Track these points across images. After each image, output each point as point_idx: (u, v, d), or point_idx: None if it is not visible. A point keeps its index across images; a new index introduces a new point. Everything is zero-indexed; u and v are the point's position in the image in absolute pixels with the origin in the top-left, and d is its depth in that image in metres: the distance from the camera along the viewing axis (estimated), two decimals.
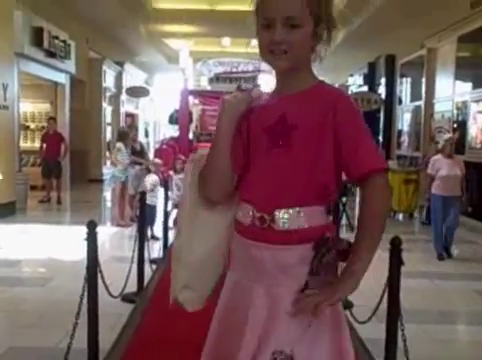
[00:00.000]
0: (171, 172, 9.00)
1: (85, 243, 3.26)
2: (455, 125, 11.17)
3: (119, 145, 9.00)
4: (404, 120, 14.65)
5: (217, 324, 1.72)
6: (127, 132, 9.40)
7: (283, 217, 1.60)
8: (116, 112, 18.52)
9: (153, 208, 7.63)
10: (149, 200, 6.86)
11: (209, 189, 1.74)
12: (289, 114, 1.62)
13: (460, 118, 11.03)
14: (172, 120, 14.96)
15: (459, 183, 7.14)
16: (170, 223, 7.94)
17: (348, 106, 1.62)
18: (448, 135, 8.29)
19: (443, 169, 7.08)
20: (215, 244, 1.76)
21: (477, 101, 10.16)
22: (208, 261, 1.77)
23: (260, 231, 1.62)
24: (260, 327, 1.58)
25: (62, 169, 11.94)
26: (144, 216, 5.36)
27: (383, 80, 15.85)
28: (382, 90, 15.71)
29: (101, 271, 3.38)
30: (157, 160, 8.90)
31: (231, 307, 1.69)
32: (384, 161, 1.67)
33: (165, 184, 7.87)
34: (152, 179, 7.90)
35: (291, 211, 1.60)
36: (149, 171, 8.25)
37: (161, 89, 25.76)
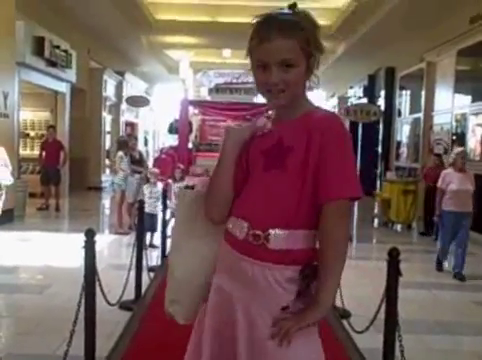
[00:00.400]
0: (170, 181, 9.03)
1: (83, 251, 3.27)
2: (454, 137, 11.21)
3: (121, 154, 9.04)
4: (403, 132, 14.69)
5: (200, 325, 1.82)
6: (126, 141, 9.43)
7: (277, 236, 1.65)
8: (116, 121, 18.57)
9: (153, 217, 7.64)
10: (148, 209, 6.88)
11: (212, 210, 1.82)
12: (285, 138, 1.69)
13: (459, 131, 11.07)
14: (171, 130, 15.00)
15: (470, 198, 6.86)
16: (169, 231, 7.96)
17: (335, 130, 1.66)
18: (459, 148, 7.89)
19: (454, 183, 6.81)
20: (202, 267, 1.83)
21: (476, 114, 10.20)
22: (193, 280, 1.84)
23: (254, 247, 1.67)
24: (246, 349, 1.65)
25: (61, 177, 11.95)
26: (143, 224, 5.37)
27: (383, 92, 15.91)
28: (382, 102, 15.77)
29: (99, 279, 3.39)
30: (154, 169, 8.94)
31: (215, 311, 1.75)
32: (352, 189, 1.64)
33: (164, 193, 7.88)
34: (154, 190, 7.93)
35: (286, 231, 1.65)
36: (148, 180, 8.27)
37: (161, 99, 25.82)
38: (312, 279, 1.63)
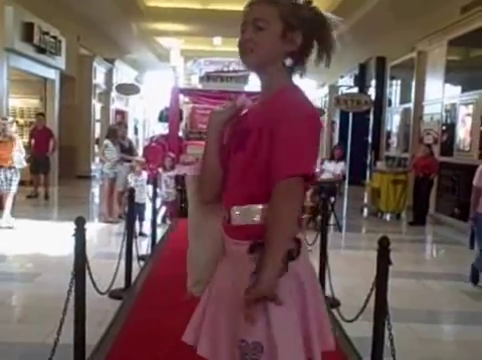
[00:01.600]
0: (160, 169, 9.00)
1: (73, 239, 3.25)
2: (444, 127, 11.25)
3: (106, 142, 9.00)
4: (393, 122, 14.71)
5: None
6: (116, 129, 9.38)
7: (236, 213, 1.76)
8: (106, 109, 18.47)
9: (140, 205, 7.63)
10: (138, 198, 6.86)
11: (203, 191, 1.91)
12: (251, 120, 1.77)
13: (449, 121, 11.10)
14: (162, 118, 14.90)
15: None
16: (158, 220, 7.96)
17: (292, 111, 1.67)
18: None
19: None
20: (216, 244, 1.90)
21: (466, 104, 10.23)
22: (214, 259, 1.92)
23: (225, 226, 1.82)
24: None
25: (50, 165, 11.88)
26: (133, 213, 5.35)
27: (373, 82, 15.93)
28: (372, 92, 15.79)
29: (89, 267, 3.37)
30: (139, 158, 8.92)
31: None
32: (300, 166, 1.63)
33: (154, 181, 7.86)
34: (136, 178, 7.93)
35: (243, 207, 1.74)
36: (133, 169, 8.25)
37: (151, 87, 25.69)
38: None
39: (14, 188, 8.38)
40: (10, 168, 8.25)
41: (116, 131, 9.22)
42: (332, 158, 10.06)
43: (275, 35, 1.74)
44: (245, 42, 1.75)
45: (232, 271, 1.79)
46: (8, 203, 8.31)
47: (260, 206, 1.71)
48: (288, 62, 1.83)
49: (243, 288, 1.64)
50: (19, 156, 8.42)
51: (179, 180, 8.79)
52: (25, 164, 8.77)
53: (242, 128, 1.78)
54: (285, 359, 1.64)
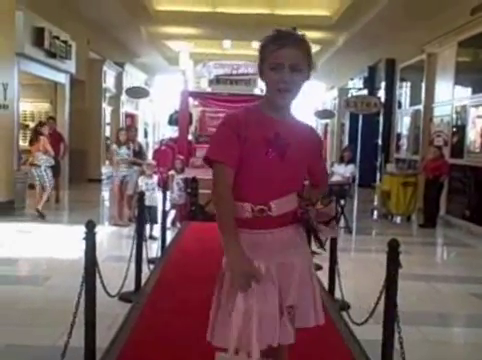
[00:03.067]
0: (172, 172, 9.00)
1: (83, 242, 3.27)
2: (454, 129, 11.21)
3: (114, 147, 9.09)
4: (403, 124, 14.68)
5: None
6: (118, 134, 9.35)
7: (277, 206, 2.11)
8: (116, 112, 18.54)
9: (152, 208, 7.65)
10: (146, 201, 6.88)
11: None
12: (282, 133, 2.12)
13: (459, 122, 11.06)
14: (171, 121, 14.96)
15: None
16: (168, 223, 7.97)
17: (318, 136, 2.42)
18: None
19: None
20: None
21: (476, 106, 10.19)
22: None
23: (264, 219, 2.11)
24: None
25: (61, 168, 11.93)
26: (143, 216, 5.37)
27: (383, 84, 15.88)
28: (382, 94, 15.75)
29: (99, 270, 3.39)
30: (149, 161, 8.95)
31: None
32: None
33: (164, 185, 7.87)
34: (147, 181, 7.96)
35: (281, 200, 2.12)
36: (143, 172, 8.27)
37: (161, 90, 25.77)
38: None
39: (46, 184, 9.62)
40: (38, 166, 9.53)
41: (118, 135, 9.21)
42: (342, 160, 10.04)
43: (305, 77, 2.13)
44: (284, 83, 2.06)
45: (276, 254, 2.12)
46: (44, 197, 9.58)
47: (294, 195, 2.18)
48: None
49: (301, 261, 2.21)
50: (41, 156, 9.57)
51: (189, 183, 8.81)
52: (52, 162, 9.92)
53: (275, 138, 2.11)
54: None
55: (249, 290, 2.00)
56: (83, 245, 3.27)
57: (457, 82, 11.14)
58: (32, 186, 10.62)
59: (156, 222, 7.85)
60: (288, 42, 2.07)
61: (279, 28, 2.14)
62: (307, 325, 2.26)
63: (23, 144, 12.78)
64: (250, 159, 2.08)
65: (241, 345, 2.04)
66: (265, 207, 2.09)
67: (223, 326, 2.09)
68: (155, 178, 8.25)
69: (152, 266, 5.87)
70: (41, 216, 9.26)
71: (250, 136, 2.08)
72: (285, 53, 2.05)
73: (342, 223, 8.91)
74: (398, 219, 10.76)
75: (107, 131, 17.52)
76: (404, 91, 15.01)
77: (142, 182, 7.96)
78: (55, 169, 11.48)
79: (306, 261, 2.25)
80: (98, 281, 3.40)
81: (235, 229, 2.02)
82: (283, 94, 2.08)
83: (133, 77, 20.11)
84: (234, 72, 10.71)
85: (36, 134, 9.79)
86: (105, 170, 16.03)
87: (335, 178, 9.59)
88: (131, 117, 20.18)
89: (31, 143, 9.86)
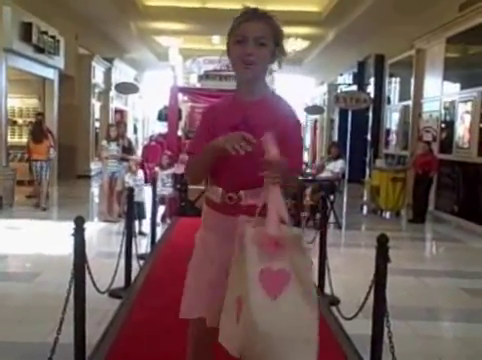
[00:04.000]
0: (157, 168, 9.00)
1: (72, 238, 3.26)
2: (443, 125, 11.26)
3: (104, 142, 9.08)
4: (392, 119, 14.72)
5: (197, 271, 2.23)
6: (108, 129, 9.38)
7: (246, 196, 2.11)
8: (105, 108, 18.45)
9: (140, 205, 7.64)
10: (137, 197, 6.87)
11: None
12: (250, 116, 2.10)
13: (448, 118, 11.11)
14: (161, 117, 14.93)
15: None
16: (158, 219, 7.97)
17: (294, 116, 2.21)
18: None
19: None
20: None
21: (465, 101, 10.24)
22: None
23: (232, 206, 2.13)
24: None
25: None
26: (132, 212, 5.36)
27: (372, 79, 15.92)
28: (371, 89, 15.79)
29: (88, 267, 3.37)
30: (134, 157, 8.97)
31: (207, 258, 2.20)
32: (302, 164, 2.21)
33: (153, 181, 7.86)
34: (134, 177, 7.96)
35: (252, 191, 2.09)
36: (130, 168, 8.27)
37: (150, 86, 25.68)
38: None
39: (48, 177, 10.26)
40: (46, 160, 10.11)
41: (109, 131, 9.22)
42: (330, 156, 10.05)
43: (270, 52, 2.11)
44: (247, 55, 2.06)
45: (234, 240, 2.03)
46: (44, 189, 10.06)
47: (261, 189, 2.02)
48: (268, 73, 2.23)
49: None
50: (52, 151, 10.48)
51: (178, 179, 8.80)
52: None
53: (241, 123, 2.09)
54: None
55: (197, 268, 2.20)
56: (72, 241, 3.26)
57: (446, 78, 11.19)
58: (20, 182, 10.62)
59: (144, 217, 7.85)
60: (253, 16, 2.09)
61: (248, 6, 2.17)
62: None
63: (11, 140, 12.72)
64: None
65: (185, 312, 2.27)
66: (235, 195, 2.13)
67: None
68: (141, 174, 8.24)
69: (142, 262, 5.86)
70: (43, 209, 9.84)
71: (219, 124, 2.13)
72: (249, 26, 2.07)
73: (332, 218, 8.94)
74: (387, 214, 10.80)
75: (96, 127, 17.44)
76: (393, 87, 15.05)
77: (129, 179, 7.95)
78: None
79: None
80: (88, 277, 3.39)
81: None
82: (248, 67, 2.08)
83: (122, 73, 20.02)
84: (223, 68, 10.67)
85: (41, 130, 10.36)
86: (94, 166, 15.97)
87: (324, 174, 9.61)
88: (120, 113, 20.09)
89: (35, 139, 10.17)
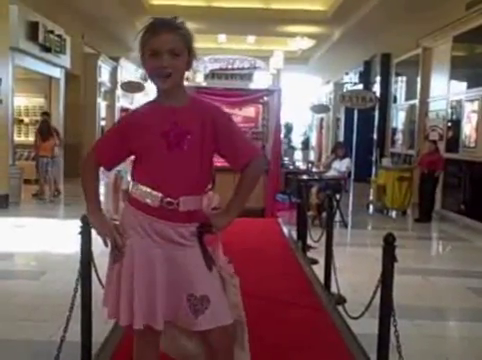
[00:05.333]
0: None
1: (79, 237, 3.26)
2: (449, 124, 11.22)
3: None
4: (399, 118, 14.69)
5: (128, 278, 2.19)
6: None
7: (185, 202, 2.17)
8: (111, 107, 18.48)
9: None
10: None
11: None
12: (179, 121, 2.16)
13: (454, 117, 11.07)
14: None
15: None
16: None
17: (222, 115, 2.26)
18: None
19: None
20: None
21: (471, 100, 10.20)
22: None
23: (167, 212, 2.16)
24: (166, 280, 2.16)
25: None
26: None
27: (378, 78, 15.89)
28: (377, 88, 15.75)
29: (95, 265, 3.38)
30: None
31: (138, 265, 2.19)
32: (258, 148, 2.23)
33: None
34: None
35: (191, 197, 2.18)
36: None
37: None
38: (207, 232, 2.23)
39: (54, 173, 11.13)
40: (52, 157, 10.92)
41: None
42: (335, 156, 10.01)
43: (184, 61, 2.18)
44: (163, 68, 2.12)
45: (172, 245, 2.18)
46: (51, 185, 10.95)
47: (199, 196, 2.24)
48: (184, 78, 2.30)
49: (191, 256, 2.19)
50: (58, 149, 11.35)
51: None
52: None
53: (172, 129, 2.15)
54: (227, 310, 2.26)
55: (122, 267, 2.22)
56: (79, 239, 3.26)
57: (452, 77, 11.15)
58: (27, 181, 10.67)
59: None
60: (162, 28, 2.14)
61: (154, 16, 2.25)
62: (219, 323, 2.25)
63: (17, 139, 12.76)
64: (151, 153, 2.17)
65: (111, 314, 2.27)
66: (174, 200, 2.16)
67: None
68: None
69: None
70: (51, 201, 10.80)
71: (148, 130, 2.16)
72: (161, 39, 2.12)
73: (338, 217, 8.92)
74: (393, 213, 10.78)
75: (103, 125, 17.46)
76: (399, 86, 15.02)
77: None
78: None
79: (199, 259, 2.23)
80: (94, 275, 3.40)
81: (94, 196, 2.37)
82: (164, 79, 2.15)
83: (128, 71, 20.02)
84: (229, 66, 10.66)
85: (48, 128, 11.11)
86: None
87: (331, 173, 9.61)
88: (126, 112, 20.11)
89: (43, 136, 10.88)
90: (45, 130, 10.93)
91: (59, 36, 12.55)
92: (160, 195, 2.15)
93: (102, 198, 11.87)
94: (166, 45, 2.11)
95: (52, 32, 12.11)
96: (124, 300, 2.18)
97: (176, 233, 2.18)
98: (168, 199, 2.15)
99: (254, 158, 2.23)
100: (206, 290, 2.19)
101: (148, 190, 2.17)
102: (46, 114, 12.19)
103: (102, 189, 13.04)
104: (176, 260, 2.18)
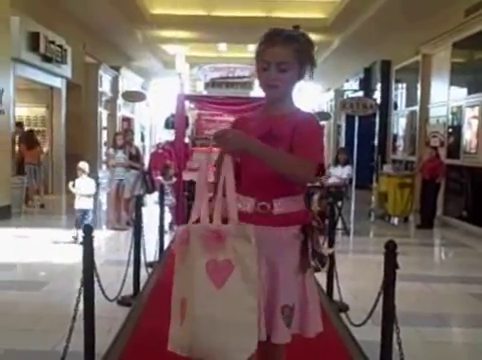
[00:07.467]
0: (160, 177, 9.03)
1: (81, 247, 3.27)
2: (450, 130, 11.24)
3: (111, 150, 9.16)
4: (399, 125, 14.70)
5: None
6: (114, 137, 9.48)
7: (279, 205, 2.20)
8: (112, 116, 18.53)
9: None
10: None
11: None
12: (274, 128, 2.23)
13: (455, 123, 11.08)
14: (168, 124, 14.91)
15: None
16: (165, 226, 7.98)
17: (307, 122, 2.24)
18: None
19: None
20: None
21: (472, 106, 10.22)
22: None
23: (260, 216, 2.19)
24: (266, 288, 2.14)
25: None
26: (140, 220, 5.37)
27: (379, 85, 15.92)
28: (378, 95, 15.78)
29: (97, 274, 3.39)
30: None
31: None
32: (319, 158, 2.18)
33: (161, 188, 7.87)
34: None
35: (284, 199, 2.21)
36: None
37: (157, 94, 25.76)
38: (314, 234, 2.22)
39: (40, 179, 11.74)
40: (38, 165, 11.53)
41: (115, 139, 9.29)
42: (337, 162, 10.05)
43: (294, 75, 2.24)
44: (271, 80, 2.21)
45: (271, 251, 2.16)
46: (40, 191, 11.79)
47: (295, 197, 2.24)
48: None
49: (290, 262, 2.18)
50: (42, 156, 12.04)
51: (186, 186, 8.81)
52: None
53: (267, 134, 2.20)
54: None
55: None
56: (81, 249, 3.27)
57: (452, 83, 11.17)
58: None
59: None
60: (276, 41, 2.19)
61: (274, 27, 2.27)
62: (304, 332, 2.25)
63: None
64: (247, 157, 2.18)
65: None
66: (268, 204, 2.20)
67: None
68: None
69: (150, 269, 5.87)
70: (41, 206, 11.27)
71: (249, 132, 2.18)
72: (272, 52, 2.19)
73: (340, 225, 8.92)
74: (395, 220, 10.77)
75: (104, 135, 17.49)
76: (400, 92, 15.05)
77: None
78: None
79: (293, 265, 2.21)
80: (96, 285, 3.40)
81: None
82: (271, 89, 2.24)
83: (129, 81, 20.10)
84: (230, 75, 10.69)
85: (32, 138, 11.76)
86: (102, 174, 16.00)
87: (332, 180, 9.61)
88: (127, 121, 20.16)
89: (29, 146, 11.38)
90: (30, 139, 11.70)
91: (60, 46, 12.60)
92: (253, 199, 2.21)
93: (104, 207, 11.94)
94: (275, 58, 2.18)
95: (53, 42, 12.16)
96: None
97: (273, 236, 2.18)
98: (262, 203, 2.21)
99: (308, 159, 2.12)
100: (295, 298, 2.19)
101: (245, 197, 2.23)
102: (31, 131, 12.36)
103: (104, 198, 13.10)
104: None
